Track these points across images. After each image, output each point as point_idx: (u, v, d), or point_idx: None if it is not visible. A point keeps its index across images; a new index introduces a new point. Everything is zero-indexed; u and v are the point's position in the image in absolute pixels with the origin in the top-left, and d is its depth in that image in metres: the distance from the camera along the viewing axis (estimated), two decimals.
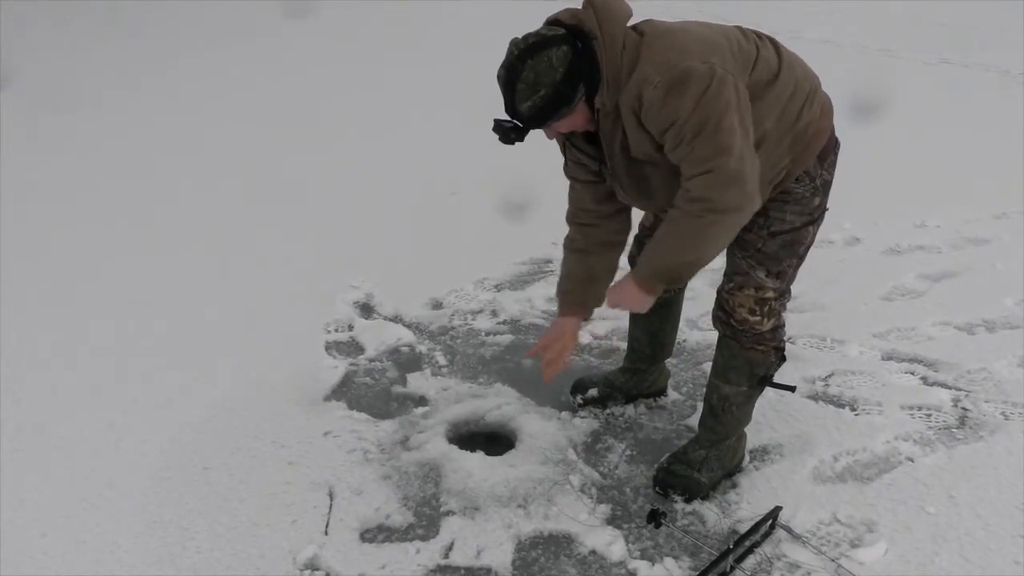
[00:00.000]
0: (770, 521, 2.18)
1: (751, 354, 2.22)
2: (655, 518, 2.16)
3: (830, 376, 2.89)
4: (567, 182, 2.29)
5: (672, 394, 2.80)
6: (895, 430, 2.59)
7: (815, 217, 2.13)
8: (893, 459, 2.47)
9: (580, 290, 2.29)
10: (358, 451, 2.51)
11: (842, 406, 2.72)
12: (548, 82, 1.84)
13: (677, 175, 1.95)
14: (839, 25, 9.17)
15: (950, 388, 2.81)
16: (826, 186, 2.12)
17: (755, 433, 2.57)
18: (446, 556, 2.14)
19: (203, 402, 2.73)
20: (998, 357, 2.97)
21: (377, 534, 2.22)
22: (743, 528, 2.18)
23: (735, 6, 9.76)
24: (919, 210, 4.31)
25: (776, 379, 2.30)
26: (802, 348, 3.06)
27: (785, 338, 2.27)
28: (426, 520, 2.27)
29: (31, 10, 7.99)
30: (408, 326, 3.25)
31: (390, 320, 3.29)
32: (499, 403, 2.68)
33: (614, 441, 2.57)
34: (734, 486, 2.38)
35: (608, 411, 2.69)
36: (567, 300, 2.31)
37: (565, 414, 2.66)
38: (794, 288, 3.54)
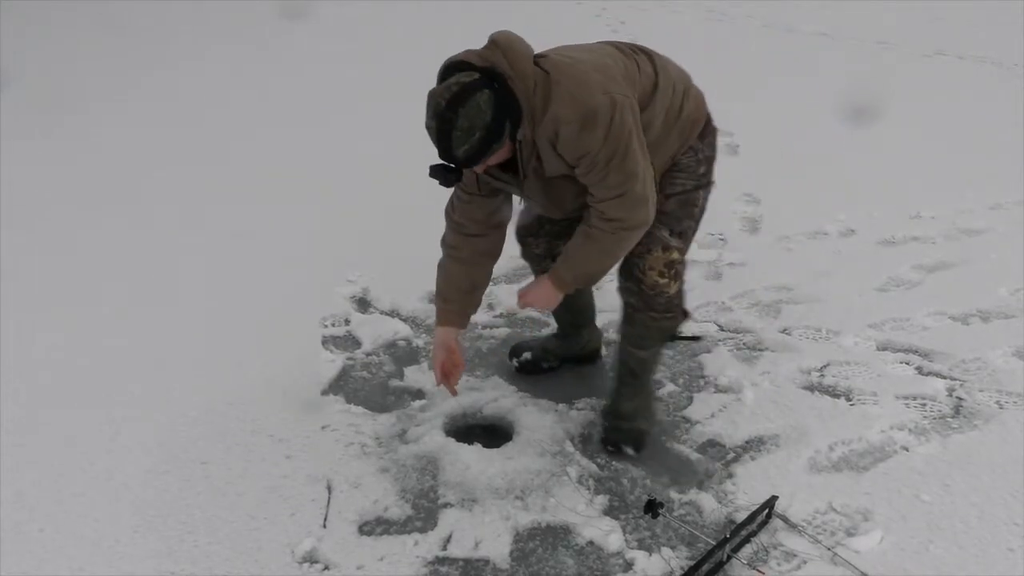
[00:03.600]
0: (766, 510, 2.19)
1: (663, 323, 2.41)
2: (652, 508, 2.17)
3: (825, 367, 2.90)
4: None
5: (668, 385, 2.81)
6: (890, 420, 2.60)
7: (703, 183, 2.37)
8: (888, 448, 2.49)
9: (463, 300, 2.43)
10: (356, 444, 2.52)
11: (837, 396, 2.73)
12: (481, 125, 1.95)
13: (583, 188, 2.16)
14: (835, 18, 9.17)
15: (945, 378, 2.83)
16: (709, 160, 2.38)
17: (751, 423, 2.60)
18: (444, 548, 2.15)
19: (201, 396, 2.73)
20: (993, 347, 2.99)
21: (375, 526, 2.23)
22: (740, 517, 2.19)
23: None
24: (914, 201, 4.32)
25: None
26: (797, 339, 3.07)
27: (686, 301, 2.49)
28: (424, 512, 2.28)
29: (31, 10, 7.91)
30: (405, 320, 3.25)
31: (387, 314, 3.30)
32: (496, 396, 2.69)
33: None
34: (730, 476, 2.39)
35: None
36: (450, 310, 2.43)
37: (562, 406, 2.67)
38: (789, 279, 3.57)
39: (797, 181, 4.55)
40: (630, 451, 2.47)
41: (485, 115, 1.94)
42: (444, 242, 2.43)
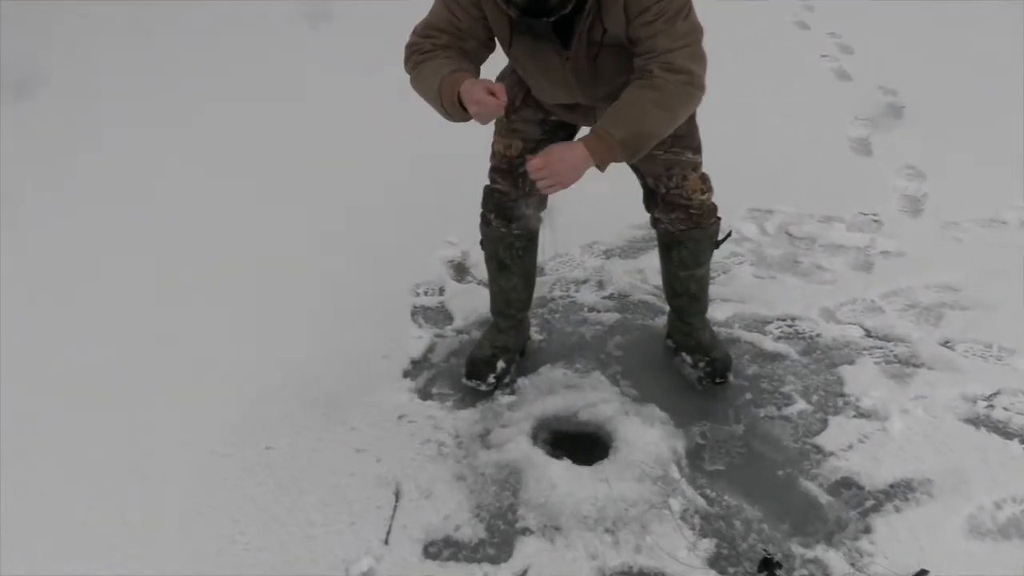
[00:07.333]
0: None
1: (711, 230, 2.40)
2: (768, 567, 1.83)
3: (995, 395, 2.41)
4: None
5: (799, 402, 2.40)
6: None
7: None
8: None
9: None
10: (432, 442, 2.27)
11: (1010, 437, 2.26)
12: None
13: (628, 64, 2.01)
14: None
15: None
16: None
17: (899, 463, 2.18)
18: None
19: (275, 367, 2.56)
20: None
21: (443, 548, 1.98)
22: None
23: None
24: None
25: None
26: (961, 356, 2.58)
27: None
28: (499, 537, 2.00)
29: (53, 19, 7.19)
30: None
31: (484, 284, 2.97)
32: (595, 399, 2.36)
33: (726, 459, 2.22)
34: (868, 530, 1.99)
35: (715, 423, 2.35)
36: (462, 74, 1.97)
37: (671, 419, 2.31)
38: (955, 276, 3.04)
39: (973, 155, 3.89)
40: (731, 377, 2.49)
41: None
42: (420, 51, 2.06)
